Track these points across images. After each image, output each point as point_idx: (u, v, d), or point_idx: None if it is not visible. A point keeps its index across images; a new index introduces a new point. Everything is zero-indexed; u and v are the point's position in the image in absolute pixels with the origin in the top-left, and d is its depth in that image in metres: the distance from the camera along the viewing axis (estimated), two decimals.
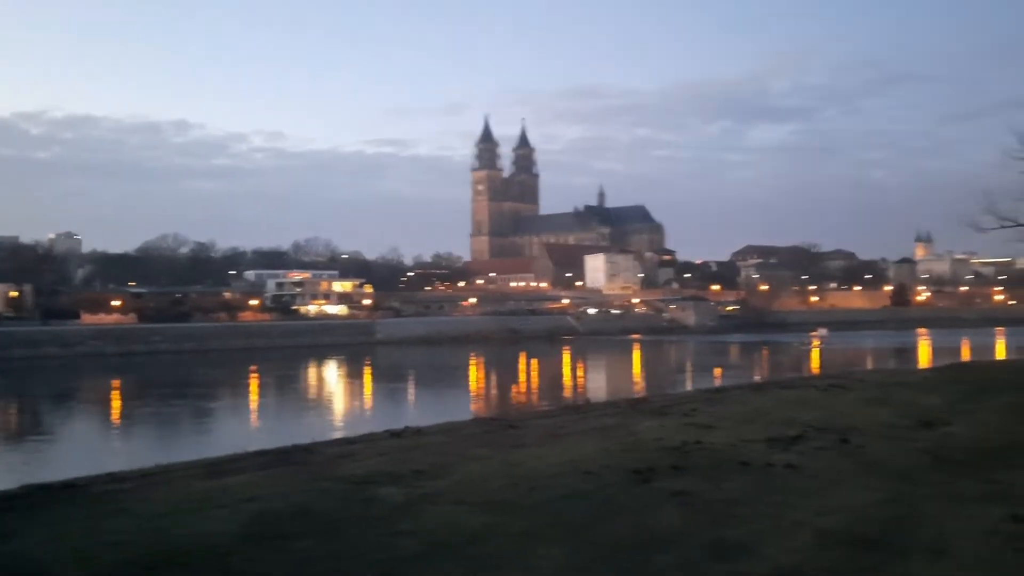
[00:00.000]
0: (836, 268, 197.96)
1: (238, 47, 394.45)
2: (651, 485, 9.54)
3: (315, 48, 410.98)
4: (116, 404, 52.99)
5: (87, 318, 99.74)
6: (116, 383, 61.98)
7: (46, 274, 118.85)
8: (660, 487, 9.39)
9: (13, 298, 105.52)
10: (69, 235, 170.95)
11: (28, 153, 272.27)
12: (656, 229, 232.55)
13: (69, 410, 50.40)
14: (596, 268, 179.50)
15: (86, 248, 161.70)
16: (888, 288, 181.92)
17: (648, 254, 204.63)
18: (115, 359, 77.78)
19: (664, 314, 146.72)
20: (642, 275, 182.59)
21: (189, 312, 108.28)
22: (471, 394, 57.39)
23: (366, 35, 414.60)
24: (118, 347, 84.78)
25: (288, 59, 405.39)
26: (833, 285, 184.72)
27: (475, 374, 72.53)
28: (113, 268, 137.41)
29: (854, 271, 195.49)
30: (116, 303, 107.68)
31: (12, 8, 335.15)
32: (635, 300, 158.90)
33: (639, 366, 79.46)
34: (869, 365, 62.67)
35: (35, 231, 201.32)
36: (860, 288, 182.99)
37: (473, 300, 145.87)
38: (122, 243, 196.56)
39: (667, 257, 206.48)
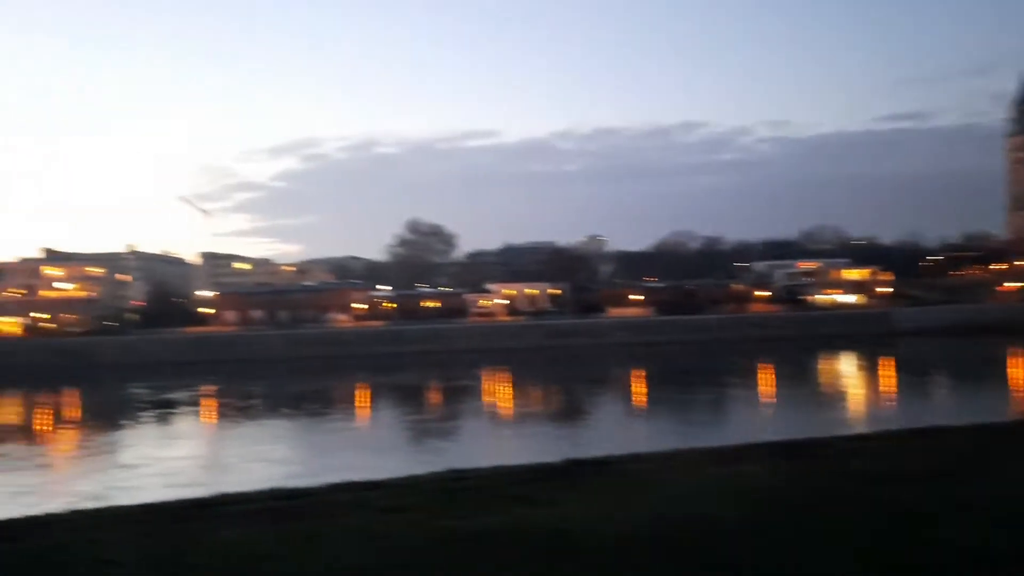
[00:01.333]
0: None
1: (728, 43, 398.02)
2: None
3: (814, 29, 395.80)
4: (639, 390, 57.70)
5: (612, 312, 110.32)
6: (638, 371, 67.39)
7: (579, 273, 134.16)
8: None
9: (554, 295, 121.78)
10: (596, 237, 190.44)
11: (561, 167, 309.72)
12: None
13: (601, 394, 56.26)
14: None
15: (610, 248, 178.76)
16: None
17: None
18: (635, 348, 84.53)
19: None
20: None
21: (700, 304, 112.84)
22: (1014, 392, 50.08)
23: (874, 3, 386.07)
24: (637, 337, 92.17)
25: (790, 45, 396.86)
26: None
27: (1019, 369, 63.11)
28: (632, 265, 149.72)
29: None
30: (635, 297, 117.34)
31: (557, 44, 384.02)
32: None
33: None
34: None
35: (569, 235, 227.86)
36: None
37: (1019, 284, 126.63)
38: (640, 241, 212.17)
39: None
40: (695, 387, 53.51)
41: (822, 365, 70.99)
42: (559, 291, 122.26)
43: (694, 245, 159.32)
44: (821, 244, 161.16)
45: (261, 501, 11.22)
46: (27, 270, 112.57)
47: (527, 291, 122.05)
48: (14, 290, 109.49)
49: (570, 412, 47.26)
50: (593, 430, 38.80)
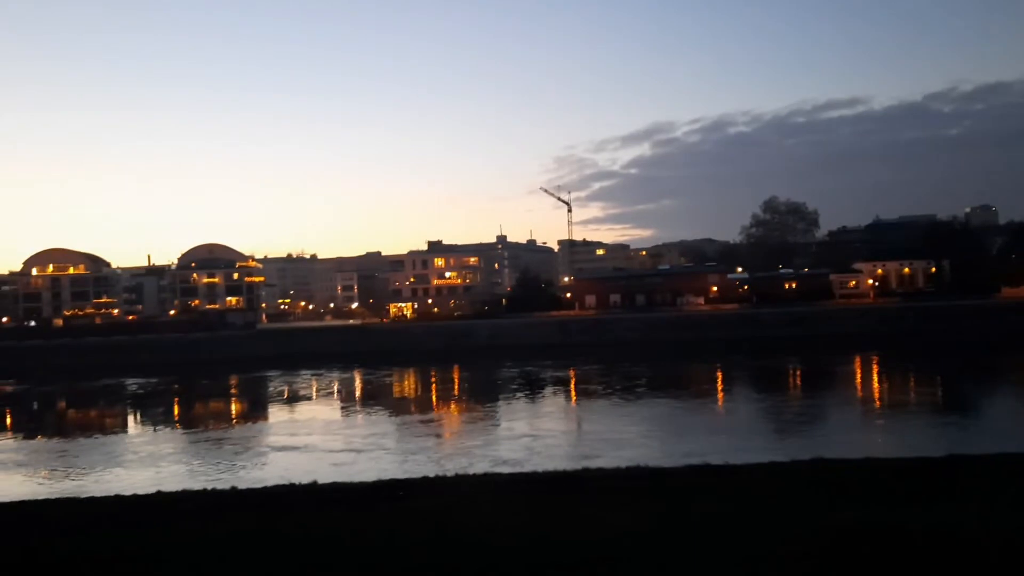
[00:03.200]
0: None
1: None
2: None
3: None
4: None
5: (1006, 291, 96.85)
6: None
7: (962, 249, 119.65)
8: None
9: (931, 274, 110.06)
10: (986, 207, 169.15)
11: (939, 132, 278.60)
12: None
13: (991, 385, 49.78)
14: None
15: (1002, 219, 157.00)
16: None
17: None
18: None
19: None
20: None
21: None
22: None
23: None
24: None
25: None
26: None
27: None
28: None
29: None
30: None
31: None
32: None
33: None
34: None
35: (950, 207, 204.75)
36: None
37: None
38: None
39: None
40: None
41: None
42: (935, 269, 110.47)
43: None
44: None
45: (620, 478, 11.75)
46: (418, 261, 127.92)
47: (901, 270, 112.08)
48: (410, 280, 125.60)
49: (952, 403, 42.61)
50: (978, 424, 34.65)
